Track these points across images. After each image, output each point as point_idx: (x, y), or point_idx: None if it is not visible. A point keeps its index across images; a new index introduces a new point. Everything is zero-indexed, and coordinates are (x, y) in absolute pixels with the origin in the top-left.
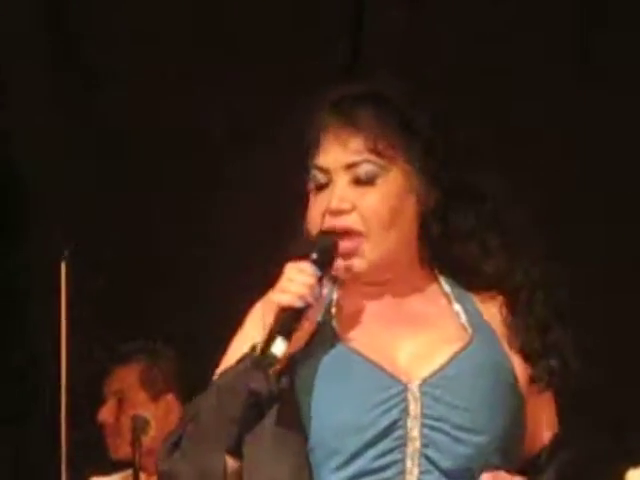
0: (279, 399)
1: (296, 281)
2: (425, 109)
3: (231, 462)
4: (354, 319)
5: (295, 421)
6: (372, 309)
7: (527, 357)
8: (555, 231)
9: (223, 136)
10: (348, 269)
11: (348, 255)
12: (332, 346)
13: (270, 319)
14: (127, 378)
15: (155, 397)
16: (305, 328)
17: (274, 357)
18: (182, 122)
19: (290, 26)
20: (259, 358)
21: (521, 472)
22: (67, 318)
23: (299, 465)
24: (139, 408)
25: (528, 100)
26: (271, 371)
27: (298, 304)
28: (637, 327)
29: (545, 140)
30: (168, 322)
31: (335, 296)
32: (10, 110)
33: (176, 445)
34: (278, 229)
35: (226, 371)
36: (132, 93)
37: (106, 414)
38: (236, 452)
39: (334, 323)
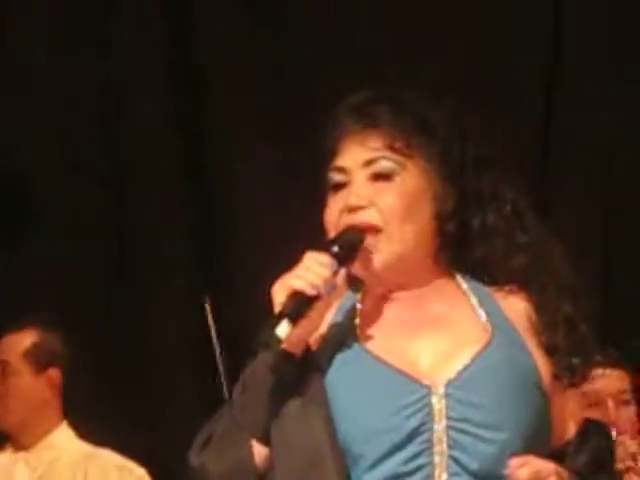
0: (302, 376)
1: (312, 270)
2: (443, 111)
3: (260, 449)
4: (376, 325)
5: (320, 393)
6: (393, 314)
7: (551, 353)
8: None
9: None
10: (366, 265)
11: (368, 251)
12: (356, 353)
13: (281, 298)
14: (13, 348)
15: (38, 371)
16: (315, 320)
17: (277, 338)
18: None
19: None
20: (263, 338)
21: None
22: None
23: (327, 417)
24: (20, 379)
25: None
26: (275, 350)
27: (310, 292)
28: None
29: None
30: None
31: (359, 306)
32: None
33: (207, 442)
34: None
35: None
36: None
37: None
38: (266, 440)
39: (357, 330)
